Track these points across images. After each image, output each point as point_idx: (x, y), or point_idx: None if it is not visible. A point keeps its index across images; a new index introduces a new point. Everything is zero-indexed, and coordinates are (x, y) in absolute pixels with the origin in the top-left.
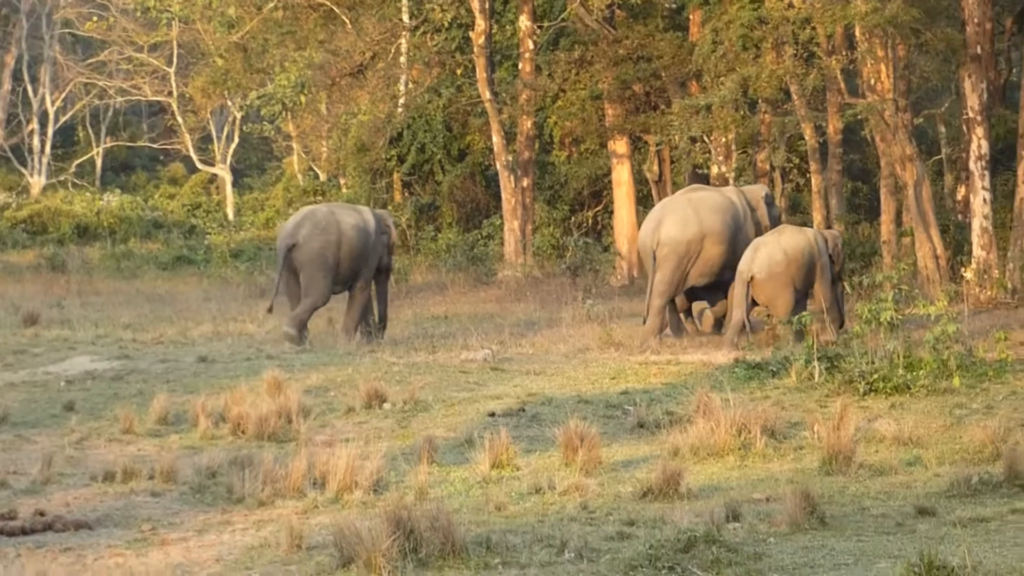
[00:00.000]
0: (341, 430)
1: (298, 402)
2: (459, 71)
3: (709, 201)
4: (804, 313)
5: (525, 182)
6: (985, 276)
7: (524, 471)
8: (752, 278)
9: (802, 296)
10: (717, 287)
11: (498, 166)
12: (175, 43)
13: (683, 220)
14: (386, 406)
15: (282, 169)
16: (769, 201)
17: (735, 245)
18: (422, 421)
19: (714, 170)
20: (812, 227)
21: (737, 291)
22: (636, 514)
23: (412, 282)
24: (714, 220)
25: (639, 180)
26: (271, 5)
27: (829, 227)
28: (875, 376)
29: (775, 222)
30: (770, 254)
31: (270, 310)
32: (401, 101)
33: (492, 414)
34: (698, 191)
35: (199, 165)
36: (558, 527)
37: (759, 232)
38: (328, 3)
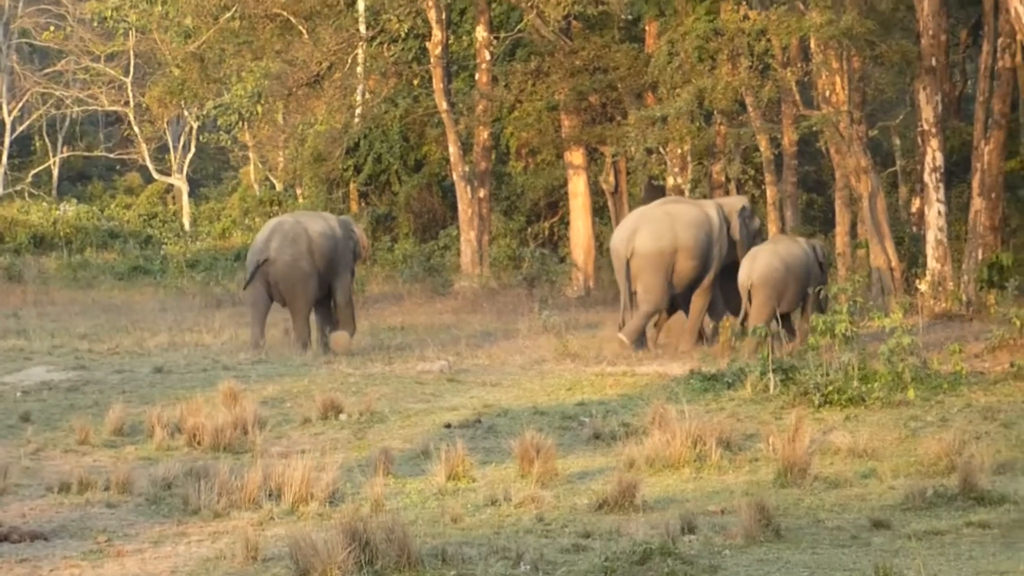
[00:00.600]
0: (297, 441)
1: (254, 413)
2: (416, 81)
3: (685, 215)
4: (759, 325)
5: (482, 193)
6: (940, 288)
7: (480, 483)
8: (752, 285)
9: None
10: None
11: (455, 177)
12: (132, 53)
13: (657, 232)
14: (342, 417)
15: (238, 179)
16: (747, 215)
17: (707, 260)
18: (378, 432)
19: (670, 181)
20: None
21: (744, 302)
22: (592, 526)
23: (368, 292)
24: (688, 234)
25: (595, 191)
26: (228, 15)
27: None
28: (830, 388)
29: (754, 235)
30: (768, 262)
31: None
32: (358, 111)
33: (448, 425)
34: (675, 203)
35: (155, 175)
36: (514, 539)
37: (732, 246)
38: (285, 13)
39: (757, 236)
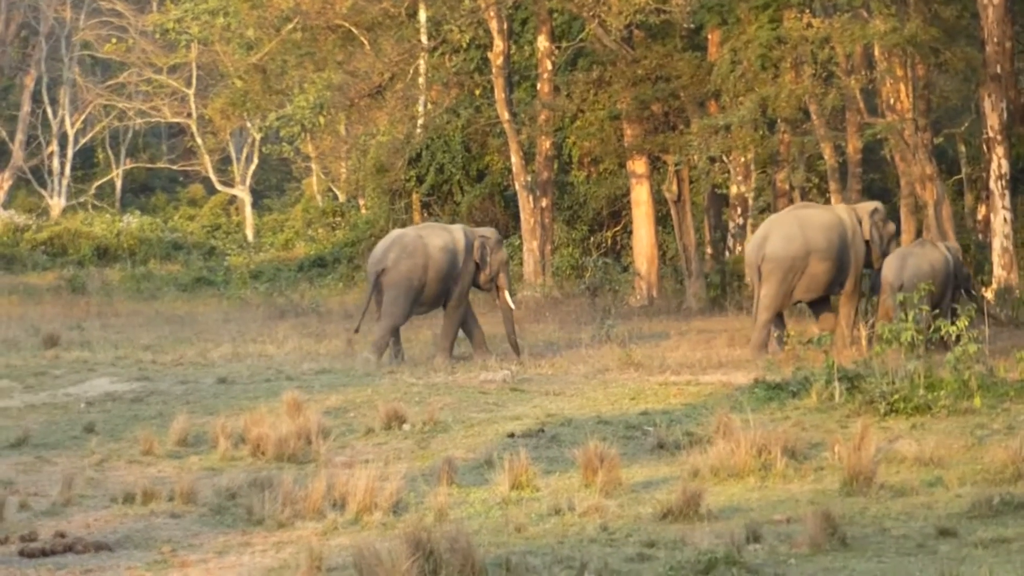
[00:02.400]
0: (360, 451)
1: (317, 423)
2: (478, 91)
3: (815, 218)
4: (825, 333)
5: (544, 202)
6: (1006, 295)
7: (544, 492)
8: (901, 287)
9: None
10: (822, 302)
11: (517, 186)
12: (194, 65)
13: (788, 236)
14: (405, 427)
15: (301, 190)
16: (879, 218)
17: (841, 262)
18: (441, 442)
19: (733, 190)
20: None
21: (887, 302)
22: (656, 535)
23: None
24: (819, 237)
25: (658, 200)
26: (290, 27)
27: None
28: (896, 396)
29: (888, 238)
30: (918, 265)
31: (356, 331)
32: (420, 122)
33: (512, 435)
34: (806, 208)
35: (218, 186)
36: (578, 548)
37: (869, 249)
38: (347, 24)
39: (892, 240)
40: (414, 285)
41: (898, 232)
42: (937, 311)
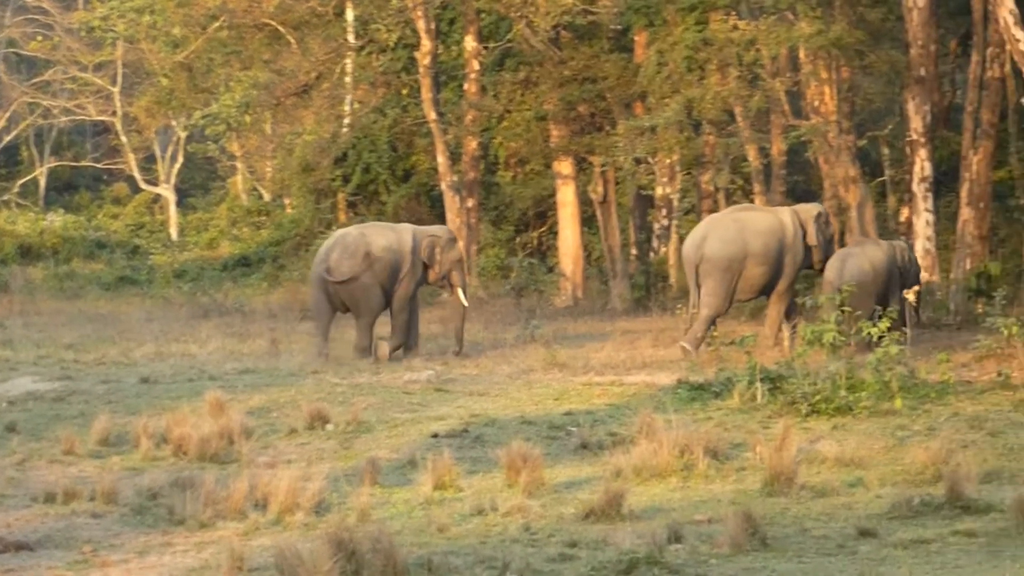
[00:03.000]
0: (283, 451)
1: (240, 423)
2: (404, 91)
3: (754, 222)
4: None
5: (470, 202)
6: (928, 298)
7: (467, 492)
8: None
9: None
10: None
11: (443, 186)
12: (120, 63)
13: (726, 239)
14: (328, 427)
15: (226, 189)
16: (822, 221)
17: (778, 266)
18: (365, 442)
19: (659, 191)
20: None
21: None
22: (578, 535)
23: None
24: (756, 241)
25: (583, 201)
26: (216, 25)
27: None
28: (817, 397)
29: (830, 240)
30: (859, 265)
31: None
32: (346, 121)
33: (435, 435)
34: (746, 210)
35: (143, 185)
36: (500, 548)
37: (808, 253)
38: (273, 23)
39: (832, 242)
40: (367, 283)
41: None
42: (881, 309)
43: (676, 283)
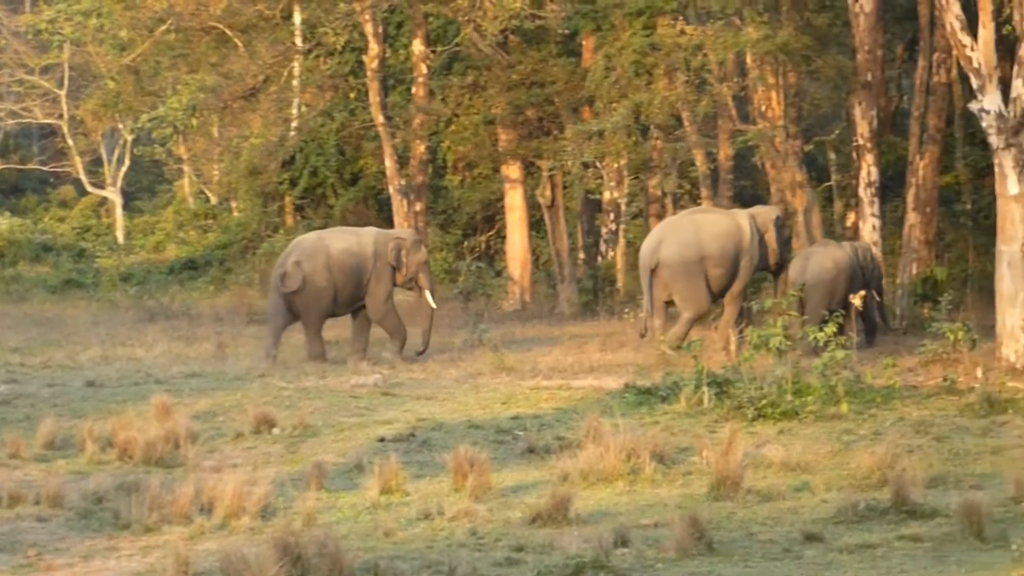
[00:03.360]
0: (229, 455)
1: (186, 427)
2: (352, 95)
3: (711, 225)
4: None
5: (418, 206)
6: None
7: (413, 497)
8: (804, 286)
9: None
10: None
11: (391, 190)
12: (66, 66)
13: (682, 242)
14: (275, 431)
15: (173, 192)
16: (779, 224)
17: (735, 268)
18: (311, 446)
19: (606, 195)
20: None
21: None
22: (525, 540)
23: None
24: (713, 244)
25: (532, 205)
26: (163, 28)
27: None
28: (764, 402)
29: (785, 243)
30: (820, 264)
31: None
32: (294, 124)
33: (382, 439)
34: (703, 212)
35: (89, 188)
36: (447, 553)
37: (765, 255)
38: (220, 26)
39: (788, 245)
40: (321, 286)
41: None
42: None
43: (624, 287)
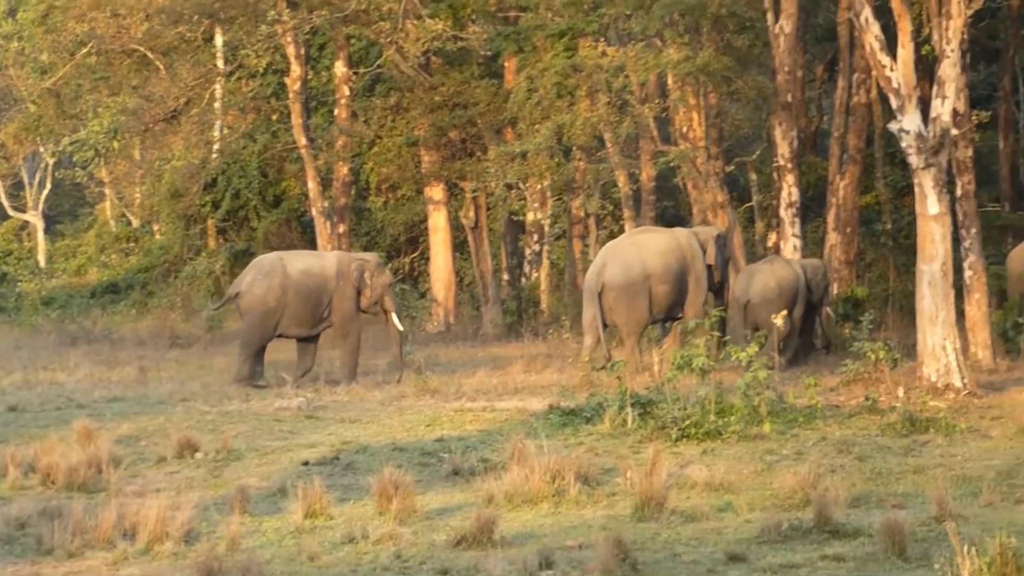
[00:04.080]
0: (152, 480)
1: (109, 452)
2: (274, 117)
3: (653, 243)
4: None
5: (341, 228)
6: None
7: (338, 520)
8: (748, 303)
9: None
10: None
11: (314, 212)
12: None
13: (626, 263)
14: (198, 455)
15: (95, 216)
16: (721, 242)
17: (681, 284)
18: (235, 470)
19: (530, 217)
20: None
21: (734, 316)
22: (450, 562)
23: (226, 330)
24: (657, 261)
25: (455, 226)
26: (84, 51)
27: None
28: (687, 422)
29: (727, 262)
30: (764, 281)
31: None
32: (216, 147)
33: (306, 463)
34: (644, 232)
35: (10, 212)
36: None
37: (711, 272)
38: (142, 49)
39: (729, 263)
40: (271, 306)
41: None
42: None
43: (548, 308)
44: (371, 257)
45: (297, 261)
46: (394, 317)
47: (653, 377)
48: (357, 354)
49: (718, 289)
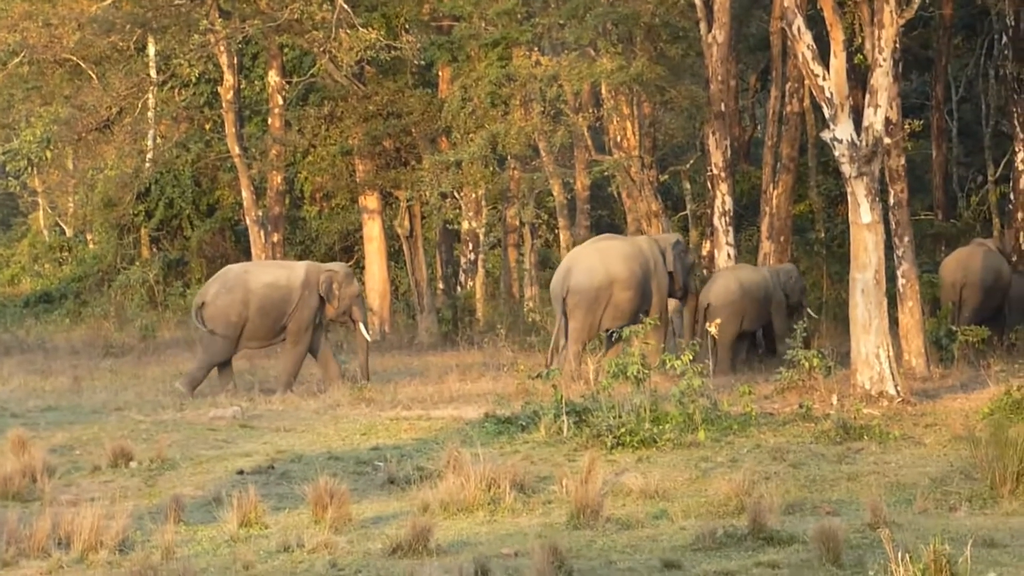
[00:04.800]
0: (87, 489)
1: (43, 461)
2: (208, 126)
3: (616, 249)
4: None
5: (275, 237)
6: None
7: (273, 529)
8: (708, 306)
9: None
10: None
11: (248, 221)
12: None
13: (590, 269)
14: (132, 465)
15: (28, 225)
16: (681, 249)
17: (644, 290)
18: (169, 479)
19: (465, 226)
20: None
21: (687, 319)
22: (385, 571)
23: (160, 339)
24: (621, 267)
25: (390, 236)
26: (16, 60)
27: None
28: (622, 430)
29: (689, 269)
30: (726, 285)
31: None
32: (149, 156)
33: (241, 472)
34: (607, 240)
35: None
36: None
37: (672, 278)
38: (74, 58)
39: (692, 271)
40: (232, 321)
41: None
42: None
43: (483, 317)
44: (340, 268)
45: (263, 274)
46: (362, 327)
47: (589, 385)
48: (299, 366)
49: (683, 296)
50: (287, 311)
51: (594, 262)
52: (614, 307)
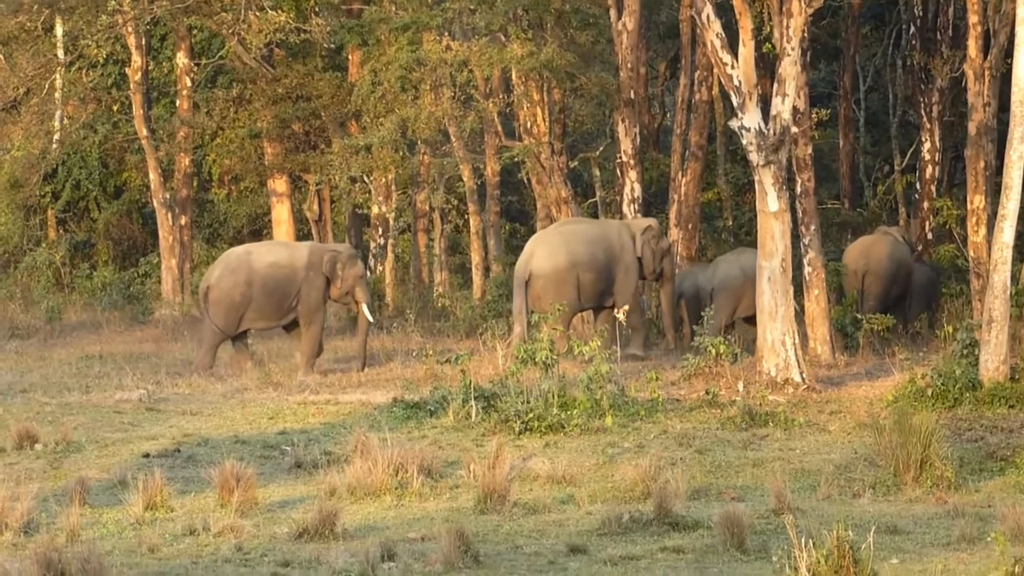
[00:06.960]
0: None
1: None
2: (115, 107)
3: (580, 233)
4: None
5: (183, 220)
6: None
7: (178, 512)
8: (712, 290)
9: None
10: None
11: (155, 204)
12: None
13: (552, 252)
14: (38, 447)
15: None
16: (653, 234)
17: (608, 273)
18: (75, 462)
19: (374, 210)
20: None
21: (664, 304)
22: (291, 555)
23: (66, 321)
24: (583, 250)
25: (299, 219)
26: None
27: (487, 268)
28: (530, 415)
29: (662, 254)
30: (728, 271)
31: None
32: (56, 137)
33: (147, 455)
34: (573, 223)
35: None
36: (212, 569)
37: (642, 263)
38: None
39: (667, 256)
40: (236, 301)
41: None
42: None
43: (393, 302)
44: (344, 248)
45: (266, 255)
46: (365, 308)
47: (496, 369)
48: (317, 344)
49: (657, 280)
50: (291, 291)
51: (557, 245)
52: (580, 290)
